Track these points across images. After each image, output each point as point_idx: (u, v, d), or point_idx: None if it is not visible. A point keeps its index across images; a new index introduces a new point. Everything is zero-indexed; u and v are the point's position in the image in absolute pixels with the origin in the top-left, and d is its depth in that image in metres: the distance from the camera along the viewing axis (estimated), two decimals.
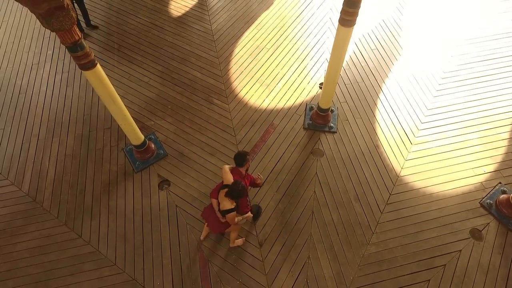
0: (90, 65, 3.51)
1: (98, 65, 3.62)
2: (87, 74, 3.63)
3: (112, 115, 4.36)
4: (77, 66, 5.59)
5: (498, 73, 6.11)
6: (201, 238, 4.53)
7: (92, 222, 4.75)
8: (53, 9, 2.80)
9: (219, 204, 3.66)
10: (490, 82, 5.99)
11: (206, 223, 4.25)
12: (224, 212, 3.61)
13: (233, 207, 3.56)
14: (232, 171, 3.74)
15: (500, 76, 6.07)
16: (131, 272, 4.37)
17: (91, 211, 4.84)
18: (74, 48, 3.28)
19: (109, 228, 4.70)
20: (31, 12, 2.85)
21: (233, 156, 3.82)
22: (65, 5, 2.85)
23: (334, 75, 4.61)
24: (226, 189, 3.56)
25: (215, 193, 3.74)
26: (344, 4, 3.70)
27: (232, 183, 3.53)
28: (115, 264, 4.43)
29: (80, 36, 3.26)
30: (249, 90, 6.01)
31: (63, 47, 6.57)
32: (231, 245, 4.45)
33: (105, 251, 4.53)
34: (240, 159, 3.72)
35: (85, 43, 3.38)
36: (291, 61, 6.39)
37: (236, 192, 3.49)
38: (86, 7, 6.68)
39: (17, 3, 2.55)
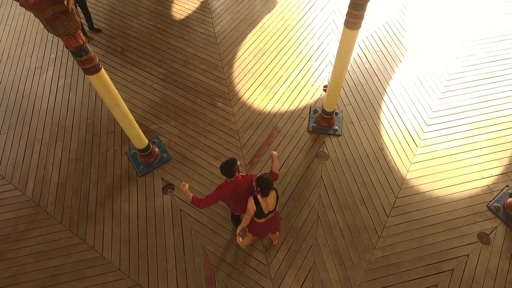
0: (94, 70, 3.49)
1: (103, 69, 3.60)
2: (91, 78, 3.60)
3: (116, 119, 4.33)
4: (80, 70, 5.60)
5: (504, 75, 6.06)
6: (244, 245, 4.37)
7: (96, 226, 4.72)
8: (58, 13, 2.78)
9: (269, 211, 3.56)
10: (496, 84, 5.94)
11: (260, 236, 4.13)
12: (277, 199, 3.57)
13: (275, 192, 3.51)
14: (232, 184, 3.52)
15: (506, 78, 6.02)
16: (136, 277, 4.34)
17: (95, 216, 4.81)
18: (78, 52, 3.26)
19: (113, 233, 4.67)
20: (35, 16, 2.83)
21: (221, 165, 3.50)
22: (69, 10, 2.83)
23: (339, 78, 4.58)
24: (261, 196, 3.40)
25: (257, 227, 3.73)
26: (350, 6, 3.66)
27: (257, 181, 3.31)
28: (120, 269, 4.40)
29: (85, 40, 3.24)
30: (253, 93, 5.98)
31: (66, 50, 6.56)
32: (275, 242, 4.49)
33: (109, 256, 4.50)
34: (230, 169, 3.38)
35: (89, 47, 3.35)
36: (294, 63, 6.36)
37: (267, 183, 3.28)
38: (89, 10, 6.66)
39: (20, 7, 2.54)
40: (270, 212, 3.59)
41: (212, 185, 4.97)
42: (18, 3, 2.63)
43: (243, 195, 3.54)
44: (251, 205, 3.48)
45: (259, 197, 3.41)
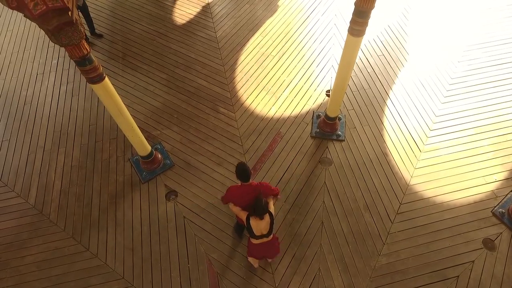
0: (98, 79, 3.48)
1: (106, 78, 3.58)
2: (95, 87, 3.59)
3: (120, 127, 4.32)
4: (82, 76, 5.58)
5: (507, 78, 6.04)
6: (256, 266, 4.38)
7: (100, 234, 4.70)
8: (62, 24, 2.76)
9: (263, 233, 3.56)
10: (499, 88, 5.92)
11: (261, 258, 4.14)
12: (272, 225, 3.53)
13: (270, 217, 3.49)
14: (242, 189, 3.54)
15: (509, 82, 6.00)
16: (140, 286, 4.32)
17: (98, 223, 4.79)
18: (82, 62, 3.25)
19: (117, 241, 4.65)
20: (39, 27, 2.82)
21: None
22: (74, 21, 2.81)
23: (342, 84, 4.56)
24: (255, 218, 3.41)
25: (252, 247, 3.76)
26: (354, 14, 3.65)
27: (254, 203, 3.33)
28: (123, 278, 4.38)
29: (89, 50, 3.22)
30: (255, 98, 5.97)
31: (67, 56, 6.54)
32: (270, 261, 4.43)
33: (113, 264, 4.48)
34: (245, 173, 3.44)
35: (92, 53, 3.34)
36: (297, 68, 6.34)
37: (261, 208, 3.30)
38: (91, 15, 6.64)
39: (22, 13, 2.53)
40: (264, 236, 3.56)
41: (215, 191, 4.95)
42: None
43: (249, 204, 3.51)
44: (243, 218, 3.53)
45: (252, 219, 3.42)
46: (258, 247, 3.71)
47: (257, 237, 3.56)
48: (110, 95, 3.73)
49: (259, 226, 3.47)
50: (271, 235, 3.66)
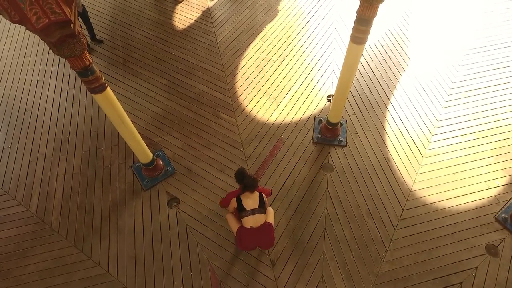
0: (100, 89, 3.47)
1: (108, 88, 3.57)
2: (97, 97, 3.58)
3: (121, 135, 4.30)
4: (83, 84, 5.58)
5: (508, 82, 6.04)
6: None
7: (102, 242, 4.69)
8: (65, 37, 2.76)
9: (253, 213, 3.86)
10: (501, 92, 5.92)
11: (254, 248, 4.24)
12: (262, 202, 3.86)
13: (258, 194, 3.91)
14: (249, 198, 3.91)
15: (510, 86, 6.00)
16: None
17: (100, 232, 4.77)
18: (84, 73, 3.24)
19: (119, 249, 4.63)
20: (41, 39, 2.81)
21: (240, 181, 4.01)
22: (76, 32, 2.80)
23: (344, 91, 4.56)
24: (246, 194, 3.83)
25: (247, 237, 3.89)
26: (356, 22, 3.64)
27: (245, 179, 3.81)
28: (126, 286, 4.36)
29: (91, 61, 3.21)
30: (257, 103, 5.96)
31: (68, 62, 6.52)
32: None
33: (115, 272, 4.47)
34: (243, 177, 3.90)
35: (95, 67, 3.33)
36: (298, 73, 6.33)
37: (251, 182, 3.75)
38: (91, 21, 6.63)
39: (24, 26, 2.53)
40: (255, 210, 3.80)
41: (217, 199, 4.94)
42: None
43: None
44: (232, 203, 3.90)
45: (243, 197, 3.84)
46: (251, 233, 3.82)
47: (247, 212, 3.79)
48: (112, 105, 3.72)
49: (249, 202, 3.81)
50: (264, 210, 3.90)
